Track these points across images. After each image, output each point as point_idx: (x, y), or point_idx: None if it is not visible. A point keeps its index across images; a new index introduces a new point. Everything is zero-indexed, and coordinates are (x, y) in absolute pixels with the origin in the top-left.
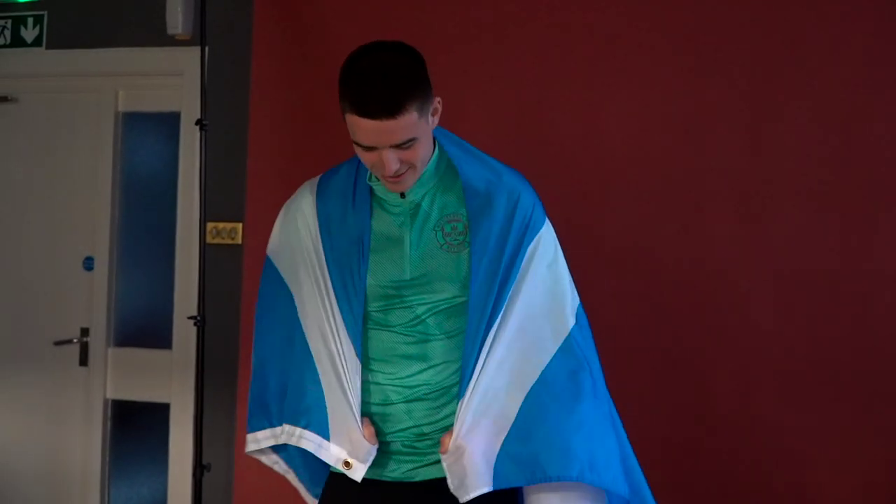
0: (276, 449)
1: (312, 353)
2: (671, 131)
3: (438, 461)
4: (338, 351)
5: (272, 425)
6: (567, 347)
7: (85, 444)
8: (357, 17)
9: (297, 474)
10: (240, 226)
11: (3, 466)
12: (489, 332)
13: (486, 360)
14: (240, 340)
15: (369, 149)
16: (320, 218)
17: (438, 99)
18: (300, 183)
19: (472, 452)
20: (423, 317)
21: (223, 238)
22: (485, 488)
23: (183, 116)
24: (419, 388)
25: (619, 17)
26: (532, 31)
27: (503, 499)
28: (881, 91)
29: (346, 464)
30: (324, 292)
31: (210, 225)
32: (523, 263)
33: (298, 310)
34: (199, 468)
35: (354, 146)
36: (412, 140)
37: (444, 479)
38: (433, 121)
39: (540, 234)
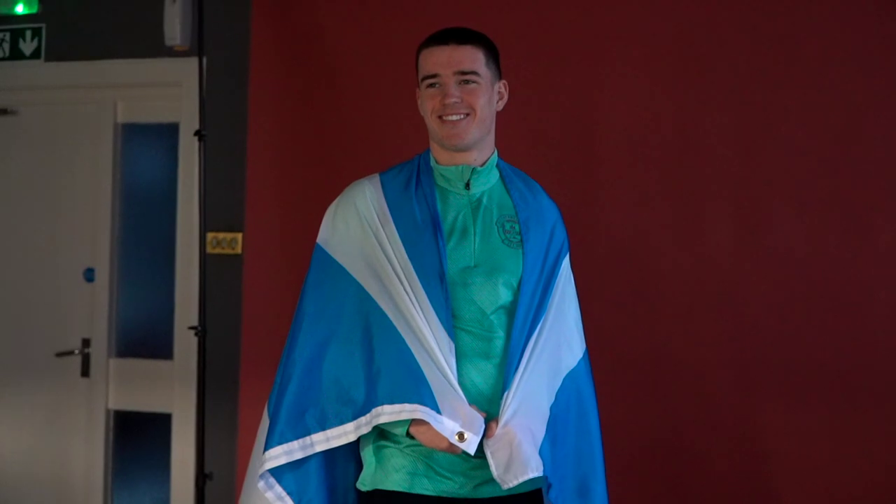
0: (289, 480)
1: (402, 334)
2: (667, 135)
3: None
4: (428, 332)
5: (323, 428)
6: (585, 361)
7: (87, 455)
8: (355, 27)
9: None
10: (240, 235)
11: (6, 477)
12: (534, 330)
13: (530, 356)
14: (240, 350)
15: (434, 83)
16: (391, 206)
17: (505, 83)
18: (300, 192)
19: (521, 439)
20: (489, 313)
21: (223, 248)
22: (533, 473)
23: (182, 127)
24: (485, 384)
25: (615, 19)
26: (527, 32)
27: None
28: (878, 94)
29: (461, 436)
30: (403, 277)
31: (210, 235)
32: (560, 274)
33: (372, 295)
34: (202, 477)
35: (420, 95)
36: (475, 75)
37: (510, 497)
38: (498, 100)
39: (568, 256)
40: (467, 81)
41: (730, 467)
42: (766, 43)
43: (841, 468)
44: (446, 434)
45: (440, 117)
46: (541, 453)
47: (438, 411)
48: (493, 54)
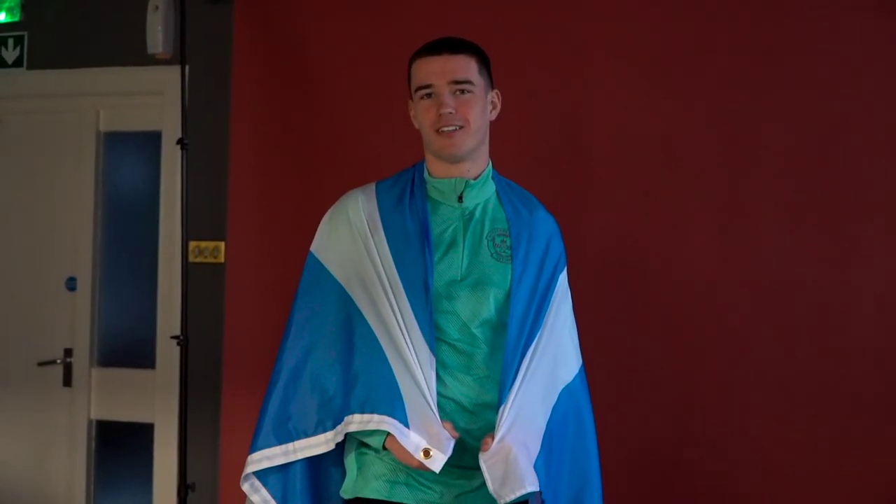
0: (274, 484)
1: (382, 345)
2: (650, 144)
3: (482, 486)
4: (408, 345)
5: (306, 435)
6: (582, 376)
7: (69, 465)
8: (337, 35)
9: None
10: (222, 244)
11: None
12: (529, 345)
13: (525, 371)
14: (223, 359)
15: (429, 93)
16: (383, 217)
17: (497, 92)
18: (282, 200)
19: (517, 453)
20: (471, 327)
21: (205, 257)
22: (530, 487)
23: (164, 135)
24: (466, 397)
25: (598, 31)
26: (510, 43)
27: None
28: (858, 103)
29: (426, 453)
30: (388, 288)
31: (192, 244)
32: (557, 289)
33: (358, 304)
34: (184, 488)
35: (414, 106)
36: (469, 84)
37: None
38: (491, 109)
39: (566, 271)
40: (462, 91)
41: (718, 478)
42: (751, 49)
43: (829, 477)
44: (410, 449)
45: (437, 130)
46: (535, 468)
47: (407, 425)
48: (485, 63)
